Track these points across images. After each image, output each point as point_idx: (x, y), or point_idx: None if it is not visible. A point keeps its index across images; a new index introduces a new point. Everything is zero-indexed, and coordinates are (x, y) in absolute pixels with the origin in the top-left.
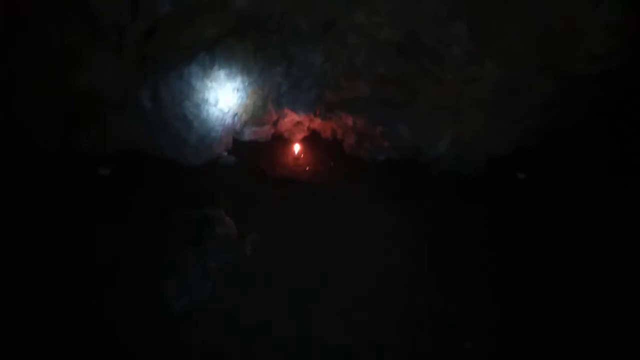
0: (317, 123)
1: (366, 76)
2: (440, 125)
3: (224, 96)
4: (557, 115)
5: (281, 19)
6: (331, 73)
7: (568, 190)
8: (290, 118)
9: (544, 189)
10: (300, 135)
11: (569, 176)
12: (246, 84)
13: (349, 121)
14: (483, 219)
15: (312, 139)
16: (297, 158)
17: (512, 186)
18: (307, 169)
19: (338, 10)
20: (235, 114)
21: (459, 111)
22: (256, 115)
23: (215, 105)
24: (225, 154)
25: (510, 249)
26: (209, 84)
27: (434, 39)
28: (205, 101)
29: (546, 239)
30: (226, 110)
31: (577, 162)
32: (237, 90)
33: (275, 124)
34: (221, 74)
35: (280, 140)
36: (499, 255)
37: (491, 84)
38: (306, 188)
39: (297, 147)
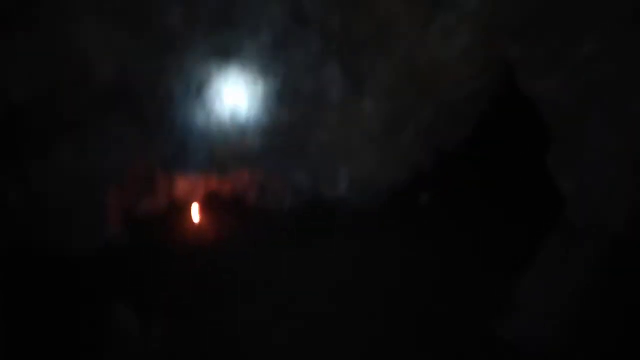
0: (213, 182)
1: (253, 129)
2: (336, 167)
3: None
4: (443, 137)
5: (154, 84)
6: (217, 129)
7: (467, 208)
8: (185, 182)
9: (447, 210)
10: (198, 199)
11: (467, 192)
12: (128, 155)
13: (246, 175)
14: (395, 249)
15: (211, 200)
16: (198, 223)
17: (416, 212)
18: (211, 232)
19: (209, 71)
20: (122, 189)
21: (351, 150)
22: (145, 186)
23: (96, 183)
24: (118, 234)
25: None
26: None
27: (310, 85)
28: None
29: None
30: (110, 187)
31: (471, 177)
32: (119, 163)
33: (169, 191)
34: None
35: (177, 208)
36: (411, 286)
37: (375, 118)
38: (214, 254)
39: (196, 212)
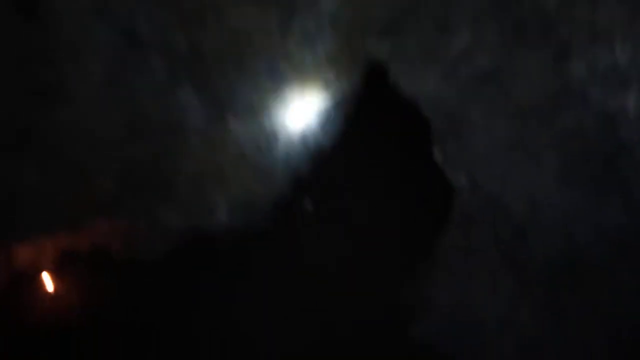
0: (64, 240)
1: (105, 169)
2: (210, 195)
3: None
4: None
5: None
6: (60, 177)
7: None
8: (26, 248)
9: (335, 214)
10: (48, 264)
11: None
12: None
13: (104, 224)
14: (289, 263)
15: (65, 262)
16: (53, 292)
17: (305, 221)
18: (71, 298)
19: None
20: None
21: (223, 175)
22: None
23: None
24: None
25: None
26: None
27: (163, 114)
28: None
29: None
30: None
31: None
32: None
33: (7, 263)
34: None
35: (23, 281)
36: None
37: (244, 137)
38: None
39: (48, 280)
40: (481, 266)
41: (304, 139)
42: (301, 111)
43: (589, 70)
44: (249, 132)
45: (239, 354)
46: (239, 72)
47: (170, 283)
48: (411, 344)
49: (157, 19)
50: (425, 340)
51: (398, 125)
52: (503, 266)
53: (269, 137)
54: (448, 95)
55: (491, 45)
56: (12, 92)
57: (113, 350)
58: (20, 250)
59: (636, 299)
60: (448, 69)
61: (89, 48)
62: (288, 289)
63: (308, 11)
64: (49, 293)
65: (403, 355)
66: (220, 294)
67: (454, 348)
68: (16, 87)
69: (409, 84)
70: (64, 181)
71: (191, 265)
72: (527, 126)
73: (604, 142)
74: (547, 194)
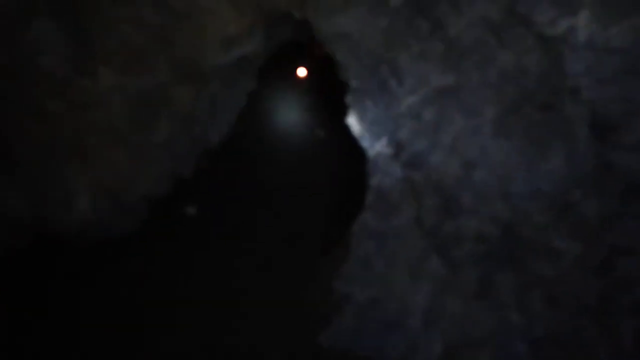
0: None
1: None
2: (68, 179)
3: None
4: (202, 131)
5: None
6: None
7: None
8: None
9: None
10: None
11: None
12: None
13: None
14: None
15: None
16: None
17: (185, 225)
18: None
19: None
20: None
21: (83, 150)
22: None
23: None
24: None
25: None
26: None
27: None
28: None
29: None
30: None
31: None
32: None
33: None
34: None
35: None
36: None
37: (116, 103)
38: None
39: None
40: (402, 252)
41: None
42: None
43: None
44: (126, 99)
45: None
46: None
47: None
48: (321, 352)
49: None
50: (338, 345)
51: (309, 86)
52: (428, 248)
53: (143, 119)
54: (373, 35)
55: None
56: None
57: None
58: None
59: (580, 272)
60: (374, 2)
61: None
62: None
63: None
64: None
65: None
66: (83, 308)
67: (373, 351)
68: None
69: (328, 23)
70: None
71: (36, 270)
72: (462, 69)
73: (546, 79)
74: (482, 149)
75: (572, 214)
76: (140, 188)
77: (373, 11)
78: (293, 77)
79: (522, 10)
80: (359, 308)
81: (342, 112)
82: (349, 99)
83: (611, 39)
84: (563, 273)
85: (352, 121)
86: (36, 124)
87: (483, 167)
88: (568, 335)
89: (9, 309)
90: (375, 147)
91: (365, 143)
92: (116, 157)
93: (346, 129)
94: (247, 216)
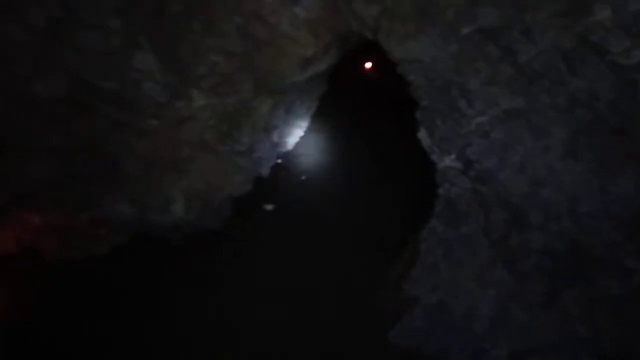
0: None
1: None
2: (165, 187)
3: None
4: (279, 136)
5: None
6: None
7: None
8: None
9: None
10: None
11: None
12: None
13: (32, 219)
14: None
15: None
16: None
17: (263, 221)
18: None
19: None
20: None
21: (178, 162)
22: None
23: None
24: None
25: None
26: None
27: (113, 82)
28: None
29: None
30: None
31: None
32: None
33: None
34: None
35: None
36: None
37: (205, 119)
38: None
39: None
40: (469, 259)
41: (277, 118)
42: (274, 86)
43: (613, 15)
44: (215, 113)
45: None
46: (203, 38)
47: (116, 290)
48: (392, 351)
49: None
50: (407, 343)
51: (382, 105)
52: (494, 257)
53: (232, 131)
54: (444, 60)
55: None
56: None
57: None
58: None
59: None
60: (446, 29)
61: None
62: (254, 289)
63: None
64: None
65: None
66: (179, 297)
67: (440, 352)
68: None
69: (401, 49)
70: None
71: (141, 269)
72: (531, 93)
73: (618, 105)
74: (550, 168)
75: None
76: (226, 190)
77: (444, 37)
78: (361, 78)
79: (595, 40)
80: (428, 310)
81: (412, 126)
82: (419, 115)
83: None
84: (632, 291)
85: (423, 135)
86: (139, 141)
87: (552, 186)
88: (636, 354)
89: (116, 295)
90: (445, 161)
91: (434, 157)
92: (206, 166)
93: (416, 143)
94: (322, 219)
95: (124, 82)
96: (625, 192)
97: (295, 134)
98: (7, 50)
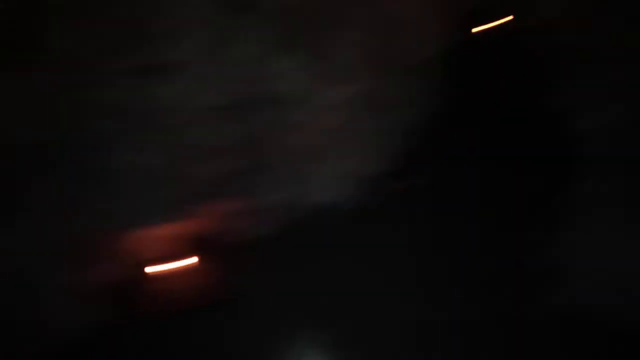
0: (167, 230)
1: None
2: (321, 171)
3: None
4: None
5: None
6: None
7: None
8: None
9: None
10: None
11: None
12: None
13: (212, 208)
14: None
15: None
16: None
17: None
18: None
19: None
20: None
21: (332, 148)
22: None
23: None
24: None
25: None
26: None
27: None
28: None
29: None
30: None
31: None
32: None
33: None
34: None
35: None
36: None
37: (343, 107)
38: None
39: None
40: (621, 218)
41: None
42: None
43: None
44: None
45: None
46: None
47: (281, 264)
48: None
49: None
50: (570, 308)
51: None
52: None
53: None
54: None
55: None
56: (112, 73)
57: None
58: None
59: None
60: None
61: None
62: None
63: None
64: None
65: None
66: (335, 274)
67: (603, 312)
68: (115, 68)
69: None
70: (167, 163)
71: (298, 245)
72: None
73: None
74: None
75: None
76: (377, 167)
77: None
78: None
79: None
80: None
81: None
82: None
83: None
84: None
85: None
86: (285, 134)
87: None
88: None
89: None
90: None
91: None
92: (354, 146)
93: None
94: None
95: (272, 85)
96: None
97: (424, 113)
98: None
